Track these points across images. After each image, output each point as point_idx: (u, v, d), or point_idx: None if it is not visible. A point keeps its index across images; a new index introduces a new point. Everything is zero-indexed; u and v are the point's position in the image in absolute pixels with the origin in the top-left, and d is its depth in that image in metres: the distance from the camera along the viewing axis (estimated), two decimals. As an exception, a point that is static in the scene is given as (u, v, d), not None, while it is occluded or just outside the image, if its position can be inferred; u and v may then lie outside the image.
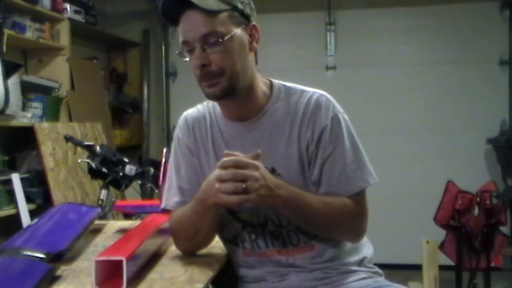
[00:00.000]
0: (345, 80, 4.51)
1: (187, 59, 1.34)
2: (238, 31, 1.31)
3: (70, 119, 3.73)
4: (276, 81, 1.45)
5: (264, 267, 1.40)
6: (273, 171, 1.34)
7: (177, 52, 1.37)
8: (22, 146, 3.39)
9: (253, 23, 1.36)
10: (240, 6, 1.32)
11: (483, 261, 3.11)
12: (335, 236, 1.39)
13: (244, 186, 1.20)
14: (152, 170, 2.42)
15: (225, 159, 1.23)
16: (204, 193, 1.29)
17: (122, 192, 2.38)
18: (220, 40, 1.28)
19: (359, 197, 1.36)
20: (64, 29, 3.73)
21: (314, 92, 1.41)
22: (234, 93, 1.33)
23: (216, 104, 1.45)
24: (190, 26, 1.29)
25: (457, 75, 4.47)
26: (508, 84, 4.42)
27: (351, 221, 1.36)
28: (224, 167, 1.22)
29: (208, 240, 1.44)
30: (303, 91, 1.41)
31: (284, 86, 1.44)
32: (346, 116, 1.40)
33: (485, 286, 3.17)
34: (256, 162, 1.24)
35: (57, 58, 3.74)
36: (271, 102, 1.40)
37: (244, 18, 1.33)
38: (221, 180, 1.22)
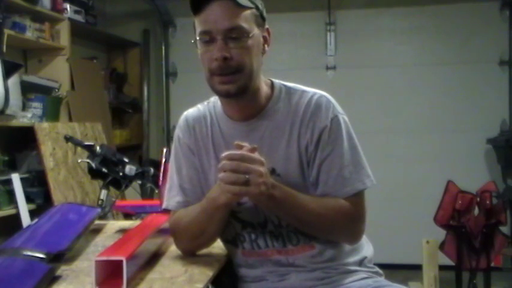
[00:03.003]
0: (345, 80, 4.51)
1: (200, 50, 1.32)
2: (257, 31, 1.32)
3: (70, 119, 3.73)
4: (276, 81, 1.45)
5: (264, 267, 1.40)
6: (272, 171, 1.34)
7: (192, 41, 1.35)
8: (22, 146, 3.39)
9: (267, 26, 1.37)
10: (260, 7, 1.34)
11: (483, 261, 3.11)
12: (331, 237, 1.38)
13: (246, 177, 1.20)
14: (152, 170, 2.41)
15: (231, 152, 1.23)
16: (215, 192, 1.30)
17: (121, 192, 2.38)
18: (245, 35, 1.28)
19: (356, 199, 1.35)
20: (64, 29, 3.73)
21: (315, 92, 1.41)
22: (246, 92, 1.33)
23: (216, 103, 1.45)
24: (216, 16, 1.28)
25: (457, 75, 4.47)
26: (508, 84, 4.42)
27: (346, 222, 1.36)
28: (230, 158, 1.22)
29: (212, 240, 1.44)
30: (303, 91, 1.41)
31: (285, 86, 1.43)
32: (346, 118, 1.40)
33: (485, 286, 3.17)
34: (262, 159, 1.24)
35: (57, 58, 3.74)
36: (272, 103, 1.40)
37: (262, 20, 1.35)
38: (224, 170, 1.22)
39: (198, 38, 1.32)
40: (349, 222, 1.36)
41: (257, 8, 1.33)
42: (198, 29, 1.31)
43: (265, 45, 1.37)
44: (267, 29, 1.38)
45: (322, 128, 1.35)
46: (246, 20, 1.29)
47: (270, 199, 1.26)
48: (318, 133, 1.35)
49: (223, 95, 1.35)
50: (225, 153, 1.23)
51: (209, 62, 1.30)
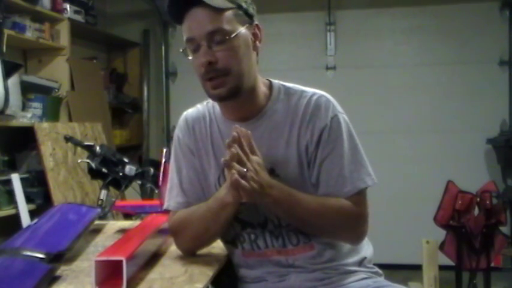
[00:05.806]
0: (345, 80, 4.51)
1: (190, 58, 1.33)
2: (243, 30, 1.32)
3: (70, 119, 3.73)
4: (275, 82, 1.44)
5: (264, 267, 1.40)
6: (272, 171, 1.34)
7: (180, 50, 1.36)
8: (22, 146, 3.39)
9: (256, 22, 1.36)
10: (244, 5, 1.33)
11: (483, 261, 3.11)
12: (334, 238, 1.39)
13: (245, 170, 1.23)
14: (152, 170, 2.41)
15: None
16: (222, 191, 1.31)
17: (122, 192, 2.38)
18: (226, 38, 1.28)
19: (357, 198, 1.35)
20: (64, 29, 3.73)
21: (314, 92, 1.41)
22: (239, 93, 1.33)
23: (215, 103, 1.45)
24: (196, 22, 1.29)
25: (457, 75, 4.46)
26: (508, 84, 4.42)
27: (348, 222, 1.36)
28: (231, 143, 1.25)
29: (213, 239, 1.44)
30: (302, 91, 1.41)
31: (284, 86, 1.43)
32: (346, 117, 1.40)
33: (485, 286, 3.17)
34: (259, 159, 1.26)
35: (57, 58, 3.74)
36: (271, 103, 1.40)
37: (248, 17, 1.34)
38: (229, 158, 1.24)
39: (186, 47, 1.33)
40: (351, 222, 1.36)
41: (239, 7, 1.32)
42: (184, 38, 1.33)
43: (257, 42, 1.36)
44: (257, 25, 1.37)
45: (322, 128, 1.35)
46: (227, 21, 1.29)
47: (265, 197, 1.27)
48: (318, 133, 1.35)
49: (216, 99, 1.36)
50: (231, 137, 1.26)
51: (198, 68, 1.31)
